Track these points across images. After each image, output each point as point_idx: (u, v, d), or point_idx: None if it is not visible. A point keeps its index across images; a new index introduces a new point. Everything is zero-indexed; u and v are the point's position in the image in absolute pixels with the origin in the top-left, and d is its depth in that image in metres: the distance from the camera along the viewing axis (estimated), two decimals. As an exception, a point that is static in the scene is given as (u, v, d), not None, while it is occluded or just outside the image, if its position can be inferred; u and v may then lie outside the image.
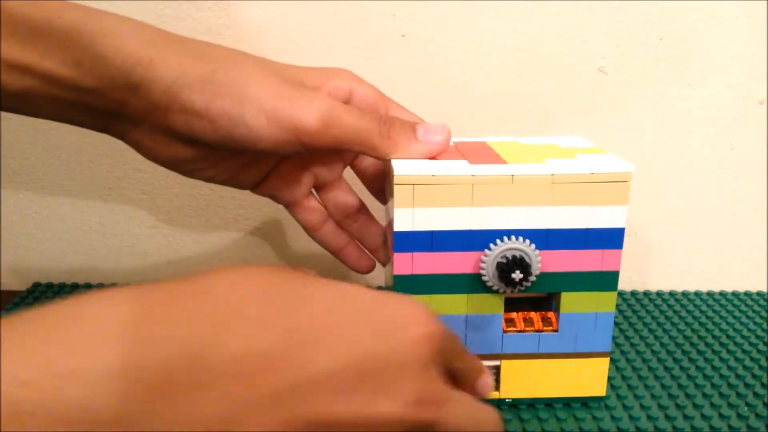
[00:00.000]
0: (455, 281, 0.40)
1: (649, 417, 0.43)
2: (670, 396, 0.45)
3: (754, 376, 0.48)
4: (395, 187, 0.38)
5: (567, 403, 0.44)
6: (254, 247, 0.63)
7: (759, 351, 0.51)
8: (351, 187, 0.48)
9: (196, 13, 0.57)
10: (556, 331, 0.42)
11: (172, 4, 0.57)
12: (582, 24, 0.57)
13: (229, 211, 0.62)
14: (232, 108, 0.37)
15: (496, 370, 0.43)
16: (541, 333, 0.42)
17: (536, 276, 0.40)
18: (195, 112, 0.37)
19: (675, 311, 0.58)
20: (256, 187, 0.45)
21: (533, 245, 0.39)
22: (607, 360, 0.43)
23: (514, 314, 0.43)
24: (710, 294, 0.61)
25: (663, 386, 0.46)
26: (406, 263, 0.39)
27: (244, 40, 0.57)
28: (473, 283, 0.40)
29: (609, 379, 0.45)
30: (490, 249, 0.39)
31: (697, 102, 0.59)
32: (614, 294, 0.42)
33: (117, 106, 0.38)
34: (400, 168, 0.38)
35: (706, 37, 0.57)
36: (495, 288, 0.40)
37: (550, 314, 0.43)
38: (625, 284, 0.64)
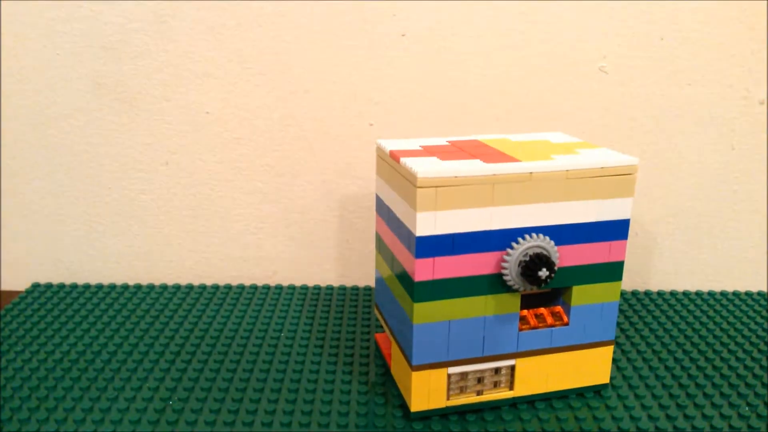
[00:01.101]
0: (475, 283, 0.40)
1: (650, 417, 0.43)
2: (671, 396, 0.45)
3: (755, 375, 0.48)
4: (419, 190, 0.37)
5: (570, 396, 0.44)
6: (255, 247, 0.63)
7: (760, 351, 0.51)
8: None
9: (196, 12, 0.57)
10: (567, 324, 0.43)
11: (172, 4, 0.56)
12: (582, 24, 0.57)
13: (229, 211, 0.62)
14: None
15: (511, 370, 0.43)
16: (554, 328, 0.42)
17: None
18: None
19: (676, 311, 0.58)
20: None
21: (552, 242, 0.40)
22: (611, 348, 0.44)
23: (525, 312, 0.43)
24: (710, 294, 0.61)
25: (664, 386, 0.46)
26: (427, 269, 0.39)
27: (243, 40, 0.57)
28: (493, 284, 0.40)
29: (610, 379, 0.46)
30: (512, 248, 0.39)
31: (697, 102, 0.59)
32: (619, 283, 0.43)
33: None
34: (423, 169, 0.37)
35: (706, 37, 0.57)
36: (516, 287, 0.40)
37: (558, 308, 0.43)
38: (626, 284, 0.64)
